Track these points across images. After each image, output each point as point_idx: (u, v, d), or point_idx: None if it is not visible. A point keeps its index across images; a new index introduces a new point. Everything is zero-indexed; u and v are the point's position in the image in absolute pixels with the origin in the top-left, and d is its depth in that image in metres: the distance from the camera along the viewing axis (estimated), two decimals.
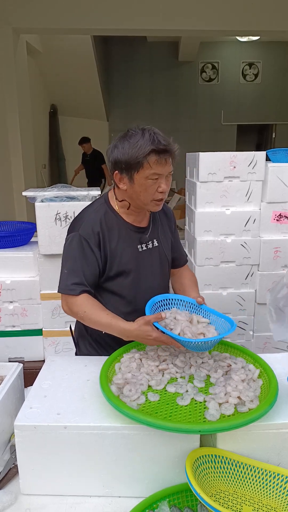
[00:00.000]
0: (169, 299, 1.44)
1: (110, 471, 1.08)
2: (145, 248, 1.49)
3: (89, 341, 1.56)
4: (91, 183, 7.19)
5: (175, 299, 1.45)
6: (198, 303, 1.42)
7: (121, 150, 1.32)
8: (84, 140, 7.24)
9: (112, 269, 1.43)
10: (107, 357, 1.30)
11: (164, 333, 1.24)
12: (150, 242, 1.51)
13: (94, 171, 7.34)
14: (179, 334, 1.25)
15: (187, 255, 1.77)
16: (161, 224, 1.56)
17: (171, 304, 1.44)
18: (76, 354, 1.65)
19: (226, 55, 9.05)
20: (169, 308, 1.42)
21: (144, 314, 1.35)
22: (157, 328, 1.26)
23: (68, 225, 1.50)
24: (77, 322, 1.61)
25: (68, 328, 1.79)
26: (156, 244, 1.52)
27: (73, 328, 1.69)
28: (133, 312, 1.47)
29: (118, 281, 1.45)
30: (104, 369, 1.21)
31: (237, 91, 9.25)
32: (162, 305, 1.42)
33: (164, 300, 1.43)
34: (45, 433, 1.05)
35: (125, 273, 1.45)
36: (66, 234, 1.44)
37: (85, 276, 1.38)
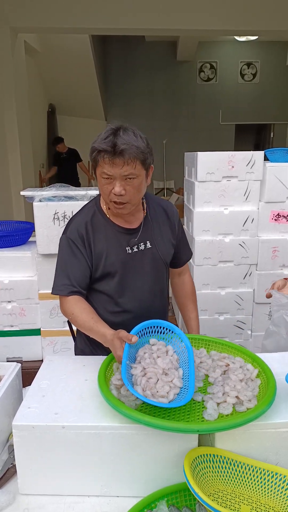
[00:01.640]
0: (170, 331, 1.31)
1: (108, 471, 1.08)
2: (136, 250, 1.46)
3: (83, 337, 1.58)
4: (68, 183, 7.05)
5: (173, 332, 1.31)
6: None
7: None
8: (59, 140, 7.21)
9: (97, 270, 1.44)
10: (105, 356, 1.30)
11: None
12: (141, 243, 1.47)
13: (72, 169, 7.32)
14: (137, 374, 1.14)
15: (191, 254, 1.73)
16: (158, 225, 1.52)
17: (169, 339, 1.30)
18: (76, 348, 1.67)
19: (224, 54, 9.06)
20: (164, 339, 1.30)
21: (133, 317, 1.38)
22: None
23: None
24: None
25: (66, 328, 1.80)
26: (149, 246, 1.48)
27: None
28: (121, 312, 1.48)
29: (105, 282, 1.46)
30: (102, 369, 1.21)
31: (235, 90, 9.26)
32: (161, 332, 1.31)
33: (165, 328, 1.31)
34: (43, 433, 1.05)
35: (111, 275, 1.44)
36: None
37: (74, 277, 1.40)
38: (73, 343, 1.71)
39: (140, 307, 1.49)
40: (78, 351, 1.63)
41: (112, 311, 1.48)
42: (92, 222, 1.43)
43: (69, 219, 1.54)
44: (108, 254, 1.42)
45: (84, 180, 7.86)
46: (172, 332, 1.32)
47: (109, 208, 1.43)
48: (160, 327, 1.32)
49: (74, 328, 1.63)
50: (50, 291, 1.45)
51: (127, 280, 1.46)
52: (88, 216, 1.45)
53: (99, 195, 1.50)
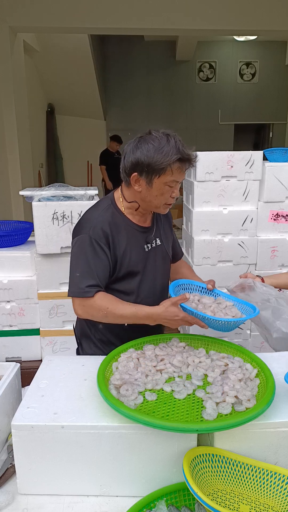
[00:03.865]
0: (188, 285, 1.53)
1: (107, 471, 1.08)
2: (150, 248, 1.52)
3: (93, 341, 1.56)
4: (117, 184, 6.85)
5: (192, 285, 1.54)
6: (208, 288, 1.52)
7: (145, 152, 1.32)
8: (120, 140, 7.12)
9: (121, 270, 1.44)
10: (104, 356, 1.31)
11: (190, 313, 1.31)
12: (153, 241, 1.53)
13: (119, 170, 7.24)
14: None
15: (182, 250, 1.84)
16: (162, 222, 1.60)
17: (191, 289, 1.53)
18: (79, 353, 1.65)
19: (223, 54, 9.06)
20: (189, 292, 1.49)
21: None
22: (184, 309, 1.34)
23: (65, 225, 1.48)
24: (79, 322, 1.62)
25: (65, 328, 1.80)
26: (159, 243, 1.55)
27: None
28: None
29: (126, 281, 1.46)
30: (102, 368, 1.21)
31: (234, 90, 9.27)
32: (182, 289, 1.51)
33: (183, 285, 1.52)
34: (42, 433, 1.05)
35: (133, 274, 1.46)
36: (63, 233, 1.42)
37: (99, 278, 1.38)
38: (73, 344, 1.70)
39: (154, 303, 1.51)
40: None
41: None
42: (114, 222, 1.43)
43: (71, 216, 1.53)
44: (131, 253, 1.45)
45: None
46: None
47: (136, 209, 1.46)
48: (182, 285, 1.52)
49: (79, 332, 1.63)
50: (49, 291, 1.45)
51: (146, 277, 1.50)
52: (108, 215, 1.43)
53: (112, 194, 1.51)
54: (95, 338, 1.55)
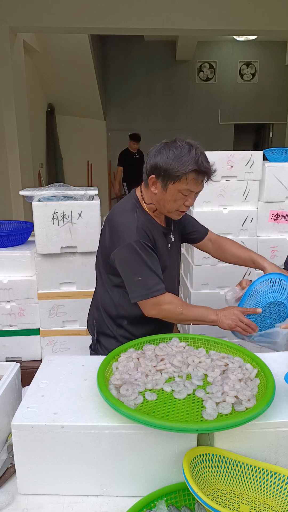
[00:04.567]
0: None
1: (107, 471, 1.08)
2: (170, 246, 1.60)
3: (116, 337, 1.60)
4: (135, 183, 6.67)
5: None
6: None
7: (165, 158, 1.38)
8: (139, 138, 7.03)
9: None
10: (104, 356, 1.31)
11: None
12: (171, 239, 1.62)
13: (140, 171, 7.08)
14: None
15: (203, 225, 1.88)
16: (176, 223, 1.67)
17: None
18: (97, 349, 1.68)
19: (223, 54, 9.05)
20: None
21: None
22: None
23: (65, 225, 1.49)
24: (97, 320, 1.66)
25: (65, 328, 1.83)
26: (173, 240, 1.63)
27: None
28: None
29: None
30: (102, 368, 1.21)
31: (234, 90, 9.26)
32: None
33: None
34: (42, 433, 1.05)
35: (163, 270, 1.53)
36: (63, 233, 1.44)
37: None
38: (73, 344, 1.72)
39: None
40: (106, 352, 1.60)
41: None
42: (148, 222, 1.49)
43: (72, 215, 1.56)
44: (162, 251, 1.53)
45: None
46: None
47: (154, 211, 1.53)
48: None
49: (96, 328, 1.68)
50: (49, 291, 1.47)
51: (168, 273, 1.57)
52: (141, 216, 1.49)
53: (136, 196, 1.55)
54: (118, 334, 1.60)
